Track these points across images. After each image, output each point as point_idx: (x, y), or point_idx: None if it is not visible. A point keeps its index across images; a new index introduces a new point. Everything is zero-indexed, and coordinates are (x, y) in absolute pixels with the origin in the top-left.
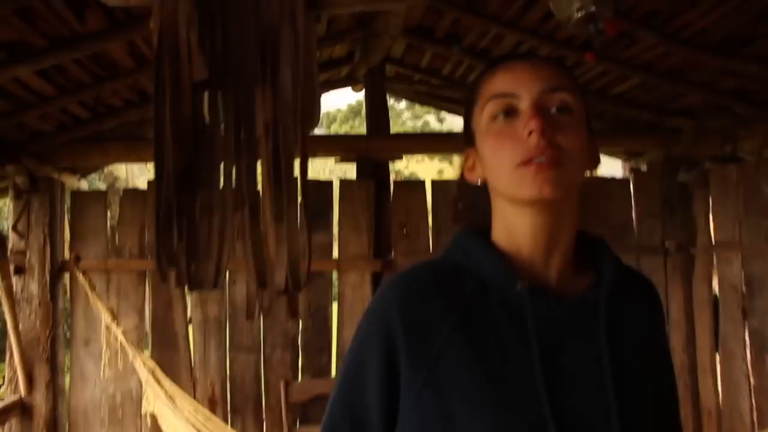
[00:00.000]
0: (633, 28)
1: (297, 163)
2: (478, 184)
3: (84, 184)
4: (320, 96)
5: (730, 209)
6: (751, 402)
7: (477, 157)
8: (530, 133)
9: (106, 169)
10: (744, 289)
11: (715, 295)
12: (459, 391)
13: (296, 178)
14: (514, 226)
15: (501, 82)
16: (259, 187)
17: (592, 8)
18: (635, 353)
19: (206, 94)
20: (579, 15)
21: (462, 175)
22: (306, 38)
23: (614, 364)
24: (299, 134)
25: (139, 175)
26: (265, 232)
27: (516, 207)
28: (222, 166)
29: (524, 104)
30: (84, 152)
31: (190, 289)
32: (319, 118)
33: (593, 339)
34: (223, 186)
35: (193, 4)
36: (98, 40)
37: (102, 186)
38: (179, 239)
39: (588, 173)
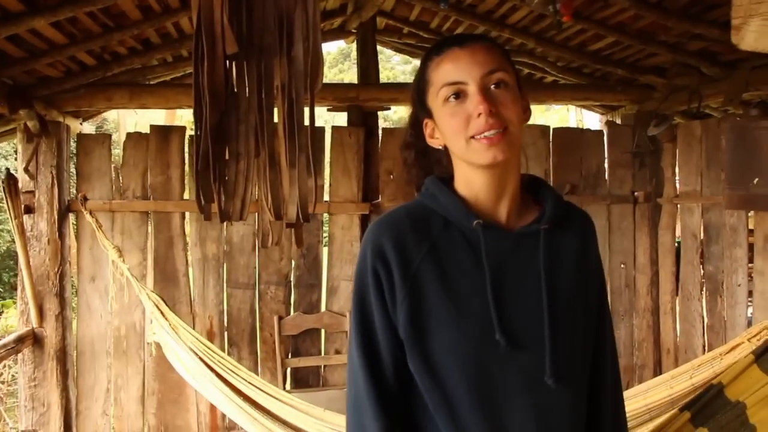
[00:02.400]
0: None
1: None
2: (440, 148)
3: (87, 128)
4: (323, 64)
5: (693, 162)
6: (704, 340)
7: (435, 127)
8: (479, 114)
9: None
10: (702, 236)
11: (678, 242)
12: (429, 303)
13: (306, 130)
14: (472, 181)
15: (448, 71)
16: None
17: None
18: (568, 273)
19: (234, 64)
20: None
21: (423, 139)
22: (314, 17)
23: (550, 283)
24: (308, 96)
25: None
26: (281, 175)
27: (473, 168)
28: (247, 121)
29: (471, 89)
30: (89, 97)
31: (221, 220)
32: (322, 81)
33: (534, 263)
34: (248, 137)
35: None
36: None
37: (91, 128)
38: (214, 180)
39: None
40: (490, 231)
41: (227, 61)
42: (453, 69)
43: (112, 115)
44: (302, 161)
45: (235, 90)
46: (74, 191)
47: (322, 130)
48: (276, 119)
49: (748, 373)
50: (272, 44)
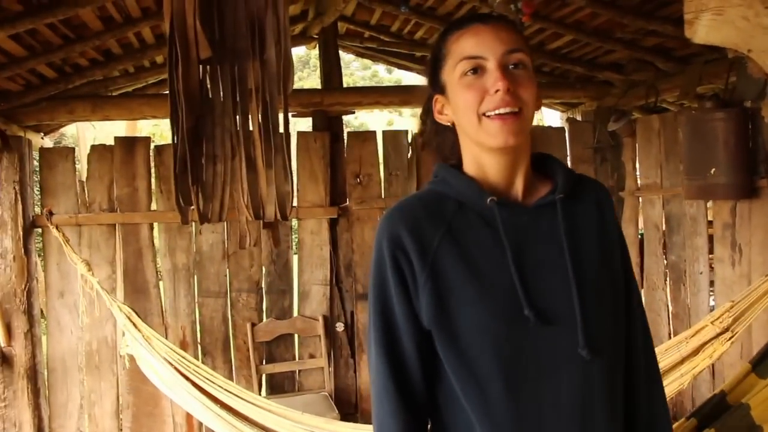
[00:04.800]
0: None
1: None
2: (449, 125)
3: (48, 142)
4: (293, 66)
5: (653, 155)
6: (670, 328)
7: (447, 103)
8: (497, 91)
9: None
10: (664, 227)
11: (641, 234)
12: (452, 284)
13: (281, 133)
14: (483, 162)
15: (470, 45)
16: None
17: None
18: (590, 243)
19: (208, 68)
20: None
21: (432, 118)
22: (284, 21)
23: (573, 253)
24: (281, 98)
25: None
26: (258, 176)
27: (483, 149)
28: (222, 124)
29: (491, 65)
30: (50, 111)
31: (200, 222)
32: (293, 84)
33: (554, 235)
34: (224, 140)
35: None
36: (73, 6)
37: (49, 143)
38: (193, 183)
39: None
40: (505, 208)
41: (201, 66)
42: (474, 43)
43: (70, 130)
44: (278, 162)
45: (210, 94)
46: (39, 206)
47: (288, 136)
48: (251, 122)
49: (748, 381)
50: (245, 48)
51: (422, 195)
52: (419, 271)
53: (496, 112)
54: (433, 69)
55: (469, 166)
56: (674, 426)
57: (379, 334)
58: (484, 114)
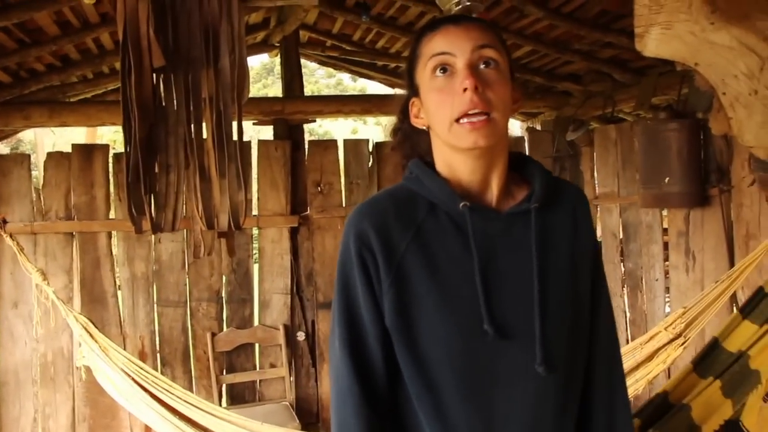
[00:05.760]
0: (521, 3)
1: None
2: (424, 128)
3: (3, 148)
4: (249, 75)
5: (610, 164)
6: (627, 334)
7: (421, 106)
8: (465, 89)
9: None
10: (621, 235)
11: (600, 242)
12: (414, 291)
13: (234, 142)
14: (455, 165)
15: (439, 43)
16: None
17: (467, 3)
18: (561, 254)
19: (161, 77)
20: (457, 8)
21: (408, 121)
22: (239, 30)
23: (542, 266)
24: (236, 107)
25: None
26: (211, 185)
27: (455, 151)
28: (176, 133)
29: (459, 63)
30: (5, 116)
31: (153, 232)
32: (248, 93)
33: (525, 245)
34: (177, 149)
35: (149, 3)
36: (28, 10)
37: (5, 149)
38: (145, 193)
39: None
40: (477, 213)
41: (155, 74)
42: (444, 41)
43: (28, 136)
44: (232, 171)
45: (163, 103)
46: None
47: (248, 144)
48: (204, 131)
49: (688, 380)
50: (199, 57)
51: (395, 192)
52: (384, 275)
53: (467, 119)
54: (409, 72)
55: (441, 167)
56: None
57: (344, 333)
58: (456, 120)
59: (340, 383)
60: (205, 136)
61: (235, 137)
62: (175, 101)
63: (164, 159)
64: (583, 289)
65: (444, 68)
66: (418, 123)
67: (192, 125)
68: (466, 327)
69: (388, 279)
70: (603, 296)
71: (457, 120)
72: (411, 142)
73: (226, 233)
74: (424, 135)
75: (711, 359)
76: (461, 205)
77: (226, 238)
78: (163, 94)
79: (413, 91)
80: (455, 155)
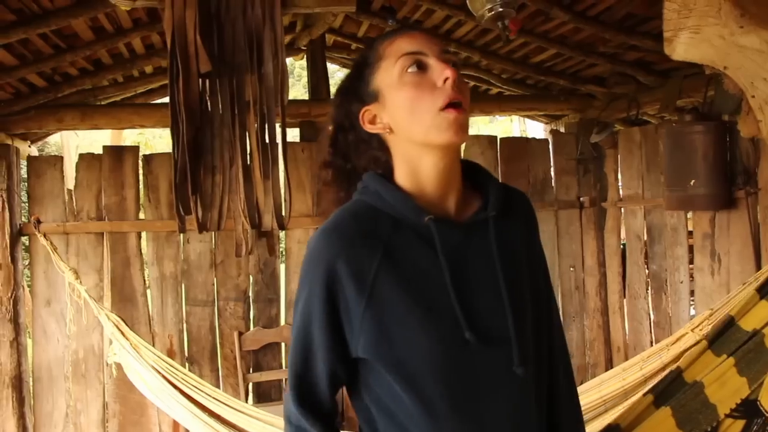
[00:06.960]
0: (547, 6)
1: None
2: (382, 133)
3: (35, 150)
4: (288, 79)
5: (634, 167)
6: (651, 336)
7: (381, 111)
8: (446, 79)
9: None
10: (645, 237)
11: (624, 244)
12: (392, 311)
13: (277, 144)
14: (420, 170)
15: (406, 44)
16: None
17: (500, 9)
18: (519, 260)
19: (207, 81)
20: (490, 14)
21: (358, 135)
22: (281, 36)
23: (505, 272)
24: (278, 110)
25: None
26: (255, 186)
27: (425, 151)
28: (221, 135)
29: (431, 60)
30: (39, 119)
31: (200, 231)
32: (288, 97)
33: (487, 253)
34: (222, 151)
35: (197, 11)
36: (66, 17)
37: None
38: (192, 193)
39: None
40: (442, 225)
41: (201, 79)
42: (411, 42)
43: (54, 138)
44: (275, 172)
45: (209, 107)
46: (26, 215)
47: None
48: (249, 133)
49: (703, 358)
50: (243, 62)
51: (355, 210)
52: (356, 302)
53: (453, 108)
54: (360, 79)
55: (402, 177)
56: (632, 402)
57: (295, 358)
58: (441, 109)
59: (288, 400)
60: (249, 138)
61: (278, 140)
62: (220, 105)
63: (210, 161)
64: (540, 293)
65: (419, 64)
66: (374, 129)
67: (236, 128)
68: (449, 338)
69: (361, 306)
70: (553, 300)
71: (442, 109)
72: (347, 177)
73: (267, 233)
74: (375, 143)
75: (725, 337)
76: (426, 219)
77: (267, 237)
78: (209, 99)
79: (368, 97)
80: (425, 157)
